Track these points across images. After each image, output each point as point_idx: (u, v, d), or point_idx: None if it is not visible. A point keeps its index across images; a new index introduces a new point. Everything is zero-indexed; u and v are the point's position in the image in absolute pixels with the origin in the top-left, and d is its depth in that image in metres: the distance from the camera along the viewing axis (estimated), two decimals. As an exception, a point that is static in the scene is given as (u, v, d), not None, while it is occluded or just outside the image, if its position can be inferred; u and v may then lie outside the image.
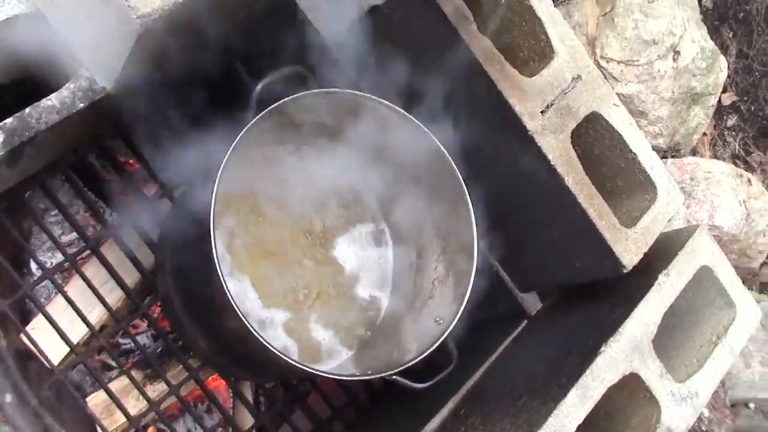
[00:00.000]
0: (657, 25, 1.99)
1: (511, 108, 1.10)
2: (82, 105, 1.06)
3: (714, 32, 2.49)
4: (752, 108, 2.56)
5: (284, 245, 1.26)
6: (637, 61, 1.99)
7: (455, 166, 1.17)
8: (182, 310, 1.23)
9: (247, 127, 1.03)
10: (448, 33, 1.08)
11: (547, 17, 1.15)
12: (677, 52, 2.03)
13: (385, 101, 1.13)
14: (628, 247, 1.12)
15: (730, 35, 2.58)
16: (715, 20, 2.56)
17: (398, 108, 1.14)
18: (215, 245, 0.96)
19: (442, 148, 1.16)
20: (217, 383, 1.45)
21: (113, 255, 1.33)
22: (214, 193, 0.98)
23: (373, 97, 1.13)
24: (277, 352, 0.97)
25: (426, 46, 1.16)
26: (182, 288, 1.21)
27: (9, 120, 1.01)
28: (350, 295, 1.32)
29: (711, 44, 2.12)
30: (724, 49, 2.48)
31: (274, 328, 1.24)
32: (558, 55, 1.15)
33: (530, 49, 1.19)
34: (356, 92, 1.13)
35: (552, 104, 1.13)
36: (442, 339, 1.11)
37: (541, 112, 1.12)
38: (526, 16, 1.16)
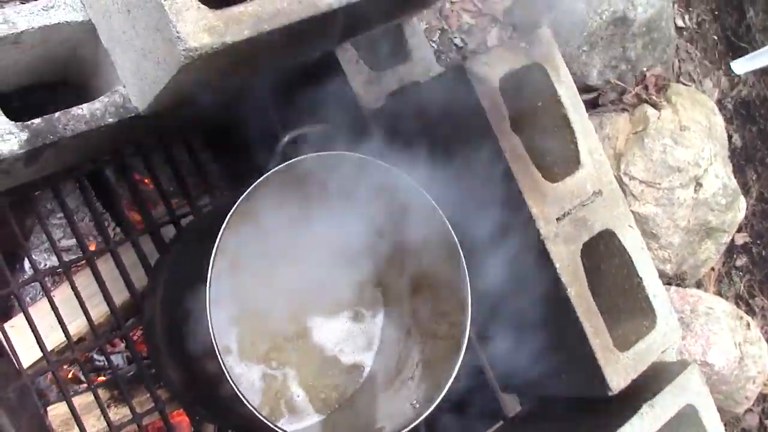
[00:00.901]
0: (684, 154, 2.01)
1: (528, 209, 1.10)
2: (111, 120, 1.07)
3: (739, 171, 2.51)
4: (763, 253, 2.56)
5: (275, 306, 1.25)
6: (659, 184, 2.00)
7: (461, 253, 1.16)
8: (163, 340, 1.21)
9: (262, 178, 1.03)
10: (481, 125, 1.09)
11: (579, 127, 1.17)
12: (699, 184, 2.04)
13: (404, 174, 1.13)
14: (618, 371, 1.11)
15: (754, 177, 2.60)
16: (741, 160, 2.59)
17: (413, 181, 1.13)
18: (209, 297, 0.96)
19: (451, 232, 1.15)
20: (180, 419, 1.42)
21: (107, 270, 1.32)
22: (215, 245, 0.98)
23: (392, 167, 1.13)
24: (251, 408, 0.96)
25: (456, 131, 1.18)
26: (168, 318, 1.20)
27: (37, 120, 1.02)
28: (333, 357, 1.30)
29: (734, 183, 2.14)
30: (745, 189, 2.50)
31: (248, 376, 1.22)
32: (584, 166, 1.16)
33: (557, 155, 1.20)
34: (382, 163, 1.13)
35: (569, 213, 1.13)
36: (415, 424, 1.09)
37: (557, 219, 1.13)
38: (560, 123, 1.17)
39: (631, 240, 1.18)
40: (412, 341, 1.30)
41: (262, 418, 0.98)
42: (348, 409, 1.25)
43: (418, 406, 1.15)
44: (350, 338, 1.33)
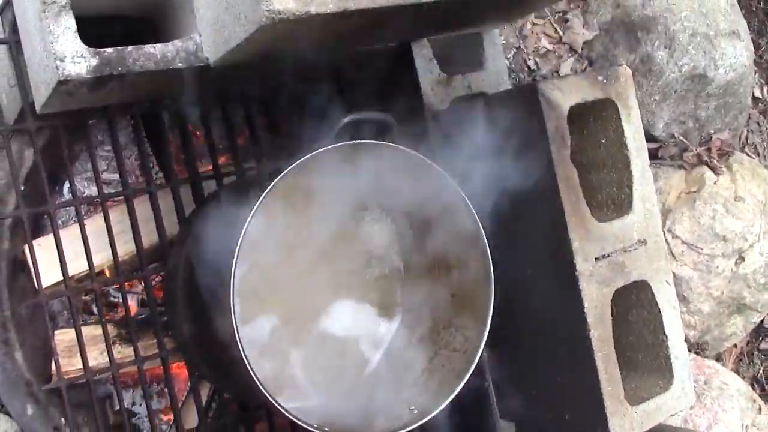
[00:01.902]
0: (733, 224, 1.97)
1: (569, 243, 1.08)
2: (179, 65, 1.07)
3: (784, 254, 2.45)
4: (790, 341, 2.50)
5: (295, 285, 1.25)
6: (701, 249, 1.96)
7: (492, 270, 1.14)
8: (181, 291, 1.22)
9: (311, 154, 1.02)
10: (541, 149, 1.08)
11: (638, 173, 1.15)
12: (742, 258, 2.00)
13: (448, 177, 1.11)
14: (624, 424, 1.09)
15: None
16: (789, 243, 2.53)
17: (455, 185, 1.12)
18: (236, 263, 0.95)
19: (487, 248, 1.14)
20: (179, 372, 1.43)
21: (142, 210, 1.33)
22: (249, 218, 0.97)
23: (438, 168, 1.11)
24: (256, 378, 0.96)
25: (514, 150, 1.16)
26: (191, 271, 1.20)
27: (109, 50, 1.03)
28: (342, 347, 1.30)
29: (776, 266, 2.10)
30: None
31: (257, 345, 1.22)
32: (634, 212, 1.14)
33: (610, 195, 1.18)
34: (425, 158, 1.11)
35: (608, 256, 1.11)
36: (409, 429, 1.08)
37: (596, 258, 1.11)
38: (620, 164, 1.15)
39: (665, 296, 1.16)
40: (423, 348, 1.28)
41: (264, 391, 0.98)
42: (347, 399, 1.24)
43: (416, 412, 1.14)
44: (364, 333, 1.32)
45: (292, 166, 0.99)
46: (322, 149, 1.02)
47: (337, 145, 1.03)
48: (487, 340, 1.14)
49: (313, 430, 1.03)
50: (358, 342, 1.33)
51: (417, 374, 1.23)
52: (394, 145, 1.10)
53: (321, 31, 0.99)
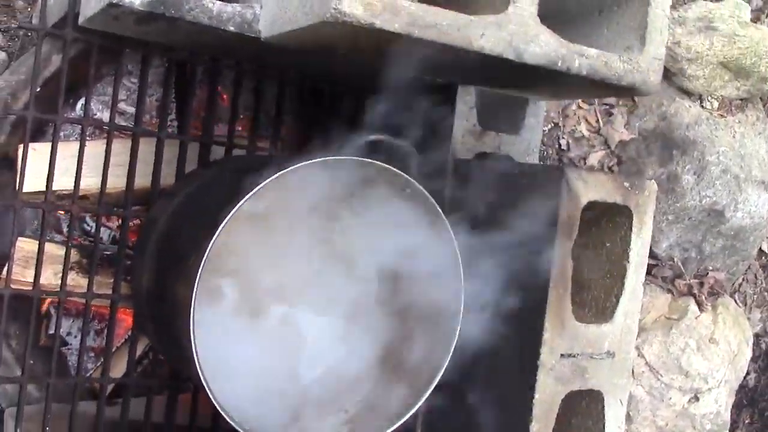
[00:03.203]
0: (700, 364, 1.97)
1: (541, 331, 1.07)
2: (231, 28, 1.06)
3: (737, 407, 2.44)
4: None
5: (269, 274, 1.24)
6: (661, 376, 1.96)
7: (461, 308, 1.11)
8: (154, 242, 1.20)
9: (308, 162, 1.00)
10: (547, 232, 1.07)
11: (630, 288, 1.14)
12: (696, 398, 1.99)
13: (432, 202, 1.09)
14: None
15: (747, 420, 2.54)
16: (745, 399, 2.52)
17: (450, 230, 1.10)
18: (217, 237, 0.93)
19: (460, 305, 1.12)
20: (124, 319, 1.40)
21: (145, 152, 1.31)
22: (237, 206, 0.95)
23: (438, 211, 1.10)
24: (196, 359, 0.94)
25: (520, 223, 1.15)
26: (170, 226, 1.18)
27: (168, -9, 1.02)
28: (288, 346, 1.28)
29: (727, 416, 2.09)
30: (733, 427, 2.43)
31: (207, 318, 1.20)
32: (613, 323, 1.13)
33: (595, 298, 1.17)
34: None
35: (575, 357, 1.10)
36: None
37: (561, 354, 1.09)
38: (615, 273, 1.14)
39: (615, 413, 1.15)
40: (357, 388, 1.26)
41: (199, 369, 0.96)
42: (278, 401, 1.23)
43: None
44: (312, 345, 1.30)
45: (277, 175, 0.97)
46: (310, 162, 0.99)
47: (329, 159, 1.01)
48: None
49: (233, 424, 1.00)
50: (303, 350, 1.31)
51: (343, 414, 1.21)
52: (406, 177, 1.08)
53: (376, 45, 0.99)
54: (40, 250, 1.25)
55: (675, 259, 2.07)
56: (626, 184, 1.12)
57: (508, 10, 0.97)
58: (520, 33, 0.98)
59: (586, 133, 2.00)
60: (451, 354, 1.12)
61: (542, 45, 1.00)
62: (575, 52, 1.04)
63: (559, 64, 1.03)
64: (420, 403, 1.11)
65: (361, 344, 1.34)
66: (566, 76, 1.04)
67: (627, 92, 1.16)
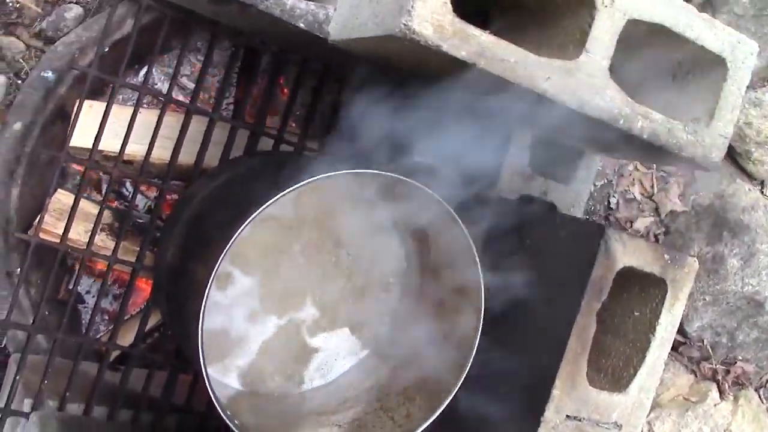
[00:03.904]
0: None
1: (550, 388, 1.04)
2: (300, 25, 1.06)
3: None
4: None
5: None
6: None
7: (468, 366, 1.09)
8: (186, 219, 1.20)
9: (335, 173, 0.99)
10: (576, 288, 1.04)
11: (651, 362, 1.10)
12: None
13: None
14: None
15: None
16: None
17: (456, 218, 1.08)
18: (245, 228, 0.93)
19: (478, 332, 1.09)
20: (142, 289, 1.41)
21: (195, 129, 1.31)
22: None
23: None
24: (199, 346, 0.93)
25: (549, 272, 1.13)
26: (205, 207, 1.18)
27: (245, -22, 1.02)
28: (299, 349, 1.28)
29: None
30: None
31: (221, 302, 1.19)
32: (627, 395, 1.09)
33: (613, 366, 1.13)
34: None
35: (580, 420, 1.07)
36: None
37: (567, 416, 1.06)
38: (639, 344, 1.11)
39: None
40: (361, 401, 1.25)
41: (200, 351, 0.95)
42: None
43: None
44: (324, 349, 1.29)
45: (307, 182, 0.96)
46: (348, 172, 0.98)
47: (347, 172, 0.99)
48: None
49: (226, 419, 0.99)
50: (314, 356, 1.30)
51: (335, 429, 1.20)
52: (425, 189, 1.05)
53: (440, 66, 0.97)
54: (75, 206, 1.26)
55: (705, 341, 2.01)
56: (666, 257, 1.08)
57: (579, 58, 0.95)
58: (587, 84, 0.96)
59: (638, 197, 1.96)
60: (457, 387, 1.10)
61: (607, 100, 0.98)
62: (640, 113, 1.01)
63: (621, 123, 1.00)
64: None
65: (371, 362, 1.33)
66: (626, 135, 1.01)
67: (686, 164, 1.12)
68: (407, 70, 1.11)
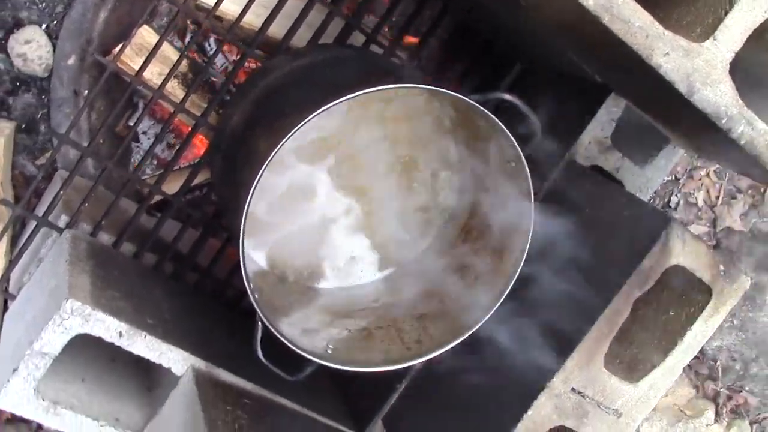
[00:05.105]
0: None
1: (565, 357, 1.04)
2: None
3: None
4: None
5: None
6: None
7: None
8: (259, 90, 1.19)
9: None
10: (622, 270, 1.02)
11: (670, 364, 1.09)
12: None
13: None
14: None
15: None
16: None
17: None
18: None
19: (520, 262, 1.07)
20: (198, 145, 1.42)
21: (292, 6, 1.28)
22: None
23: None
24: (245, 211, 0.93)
25: (602, 244, 1.11)
26: (279, 84, 1.17)
27: None
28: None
29: None
30: None
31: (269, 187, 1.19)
32: (636, 388, 1.08)
33: (633, 356, 1.12)
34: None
35: (584, 397, 1.07)
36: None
37: (572, 388, 1.06)
38: (664, 342, 1.10)
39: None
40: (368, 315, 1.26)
41: (242, 225, 0.95)
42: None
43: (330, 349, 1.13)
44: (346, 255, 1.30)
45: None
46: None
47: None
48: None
49: (248, 290, 1.00)
50: (339, 257, 1.30)
51: (344, 333, 1.21)
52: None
53: (562, 10, 0.93)
54: (157, 46, 1.25)
55: (718, 362, 1.99)
56: (722, 268, 1.06)
57: (704, 43, 0.91)
58: (704, 71, 0.92)
59: (700, 203, 1.91)
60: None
61: (718, 94, 0.93)
62: (745, 117, 0.97)
63: (723, 122, 0.96)
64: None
65: (391, 282, 1.33)
66: (724, 135, 0.97)
67: (770, 182, 1.08)
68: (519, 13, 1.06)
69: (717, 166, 1.87)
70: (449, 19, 1.42)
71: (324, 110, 0.90)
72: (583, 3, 0.87)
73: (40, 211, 1.26)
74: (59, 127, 1.36)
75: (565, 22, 1.01)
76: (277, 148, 0.92)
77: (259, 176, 0.94)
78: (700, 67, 0.92)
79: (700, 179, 1.90)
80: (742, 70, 0.97)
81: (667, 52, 0.90)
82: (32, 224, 1.24)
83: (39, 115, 1.40)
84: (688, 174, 1.89)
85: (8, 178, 1.39)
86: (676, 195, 1.90)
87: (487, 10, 1.32)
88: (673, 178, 1.89)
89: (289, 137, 0.91)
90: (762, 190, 1.92)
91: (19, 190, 1.41)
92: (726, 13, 0.91)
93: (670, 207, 1.89)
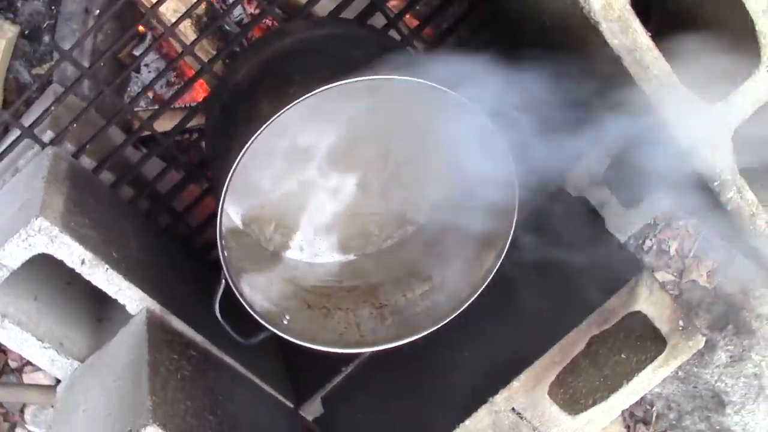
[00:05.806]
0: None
1: (512, 377, 1.05)
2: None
3: None
4: None
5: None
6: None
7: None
8: (271, 52, 1.17)
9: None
10: (585, 303, 1.03)
11: (610, 406, 1.11)
12: None
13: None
14: None
15: None
16: None
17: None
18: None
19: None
20: (198, 90, 1.41)
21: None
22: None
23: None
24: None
25: (572, 274, 1.12)
26: (291, 48, 1.15)
27: None
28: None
29: None
30: None
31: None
32: (574, 420, 1.11)
33: (576, 389, 1.14)
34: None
35: (522, 418, 1.08)
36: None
37: (513, 408, 1.07)
38: (610, 382, 1.11)
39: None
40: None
41: (229, 177, 0.95)
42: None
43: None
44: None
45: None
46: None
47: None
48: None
49: (218, 244, 1.00)
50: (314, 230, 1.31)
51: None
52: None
53: (583, 37, 0.94)
54: (180, -13, 1.24)
55: (654, 408, 2.02)
56: (681, 323, 1.07)
57: (717, 104, 0.92)
58: (709, 133, 0.93)
59: (672, 252, 1.94)
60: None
61: (716, 157, 0.94)
62: (736, 185, 0.98)
63: (715, 185, 0.97)
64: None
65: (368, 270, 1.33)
66: (713, 197, 0.99)
67: (747, 252, 1.10)
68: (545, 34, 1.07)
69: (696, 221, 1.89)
70: (475, 16, 1.41)
71: (336, 86, 0.89)
72: (608, 40, 0.87)
73: (27, 121, 1.24)
74: (63, 41, 1.34)
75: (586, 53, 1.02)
76: (280, 112, 0.91)
77: (256, 135, 0.93)
78: (705, 128, 0.93)
79: (677, 229, 1.92)
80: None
81: (677, 106, 0.91)
82: (16, 133, 1.23)
83: (45, 25, 1.38)
84: (666, 222, 1.92)
85: (1, 81, 1.37)
86: (651, 239, 1.92)
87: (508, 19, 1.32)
88: (652, 222, 1.91)
89: (296, 104, 0.91)
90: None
91: (9, 94, 1.39)
92: (744, 80, 0.92)
93: (643, 249, 1.91)
